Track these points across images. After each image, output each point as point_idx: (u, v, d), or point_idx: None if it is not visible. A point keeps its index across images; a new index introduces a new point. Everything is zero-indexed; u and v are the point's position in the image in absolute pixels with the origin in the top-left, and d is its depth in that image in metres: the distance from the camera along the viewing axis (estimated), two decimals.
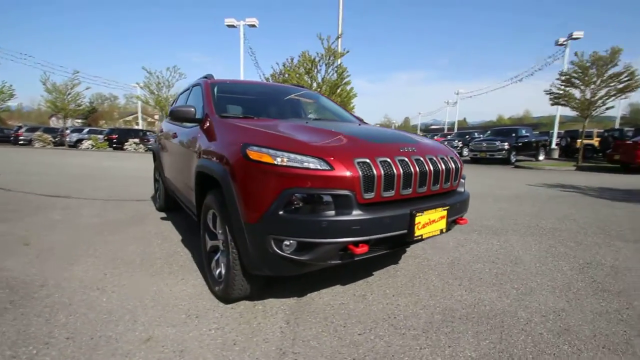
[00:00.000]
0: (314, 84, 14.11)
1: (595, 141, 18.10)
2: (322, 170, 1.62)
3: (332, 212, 1.62)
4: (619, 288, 2.39)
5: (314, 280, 2.44)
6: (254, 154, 1.74)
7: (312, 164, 1.63)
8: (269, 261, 1.72)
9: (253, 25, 20.80)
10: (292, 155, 1.67)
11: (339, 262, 1.73)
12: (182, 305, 2.08)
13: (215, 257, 2.20)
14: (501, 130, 17.22)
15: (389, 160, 1.77)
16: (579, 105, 12.94)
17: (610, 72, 12.02)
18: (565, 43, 18.92)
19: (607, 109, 12.57)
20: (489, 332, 1.83)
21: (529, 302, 2.18)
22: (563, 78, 13.47)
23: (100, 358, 1.58)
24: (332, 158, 1.66)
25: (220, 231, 2.08)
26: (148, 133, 27.44)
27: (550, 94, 13.83)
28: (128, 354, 1.61)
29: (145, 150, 22.76)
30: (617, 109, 30.35)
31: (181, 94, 4.16)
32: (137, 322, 1.88)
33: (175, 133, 3.27)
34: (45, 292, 2.20)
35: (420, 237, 1.84)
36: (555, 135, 19.71)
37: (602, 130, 19.57)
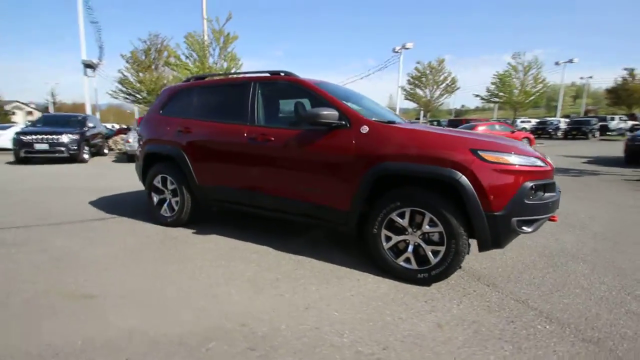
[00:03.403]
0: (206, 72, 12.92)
1: None
2: (543, 166, 2.25)
3: (548, 195, 2.29)
4: (595, 231, 4.00)
5: None
6: (490, 156, 2.17)
7: (538, 162, 2.24)
8: (504, 238, 2.22)
9: None
10: (520, 157, 2.22)
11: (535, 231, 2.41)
12: (400, 298, 2.26)
13: (410, 249, 2.44)
14: None
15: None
16: (422, 101, 17.24)
17: (441, 77, 16.57)
18: (400, 51, 24.04)
19: (440, 105, 17.32)
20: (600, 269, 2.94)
21: (581, 243, 3.45)
22: (410, 80, 17.50)
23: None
24: (541, 156, 2.30)
25: (429, 227, 2.34)
26: None
27: (405, 91, 17.76)
28: (464, 345, 1.82)
29: None
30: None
31: (200, 90, 3.58)
32: (405, 320, 2.01)
33: (267, 136, 2.93)
34: (281, 335, 1.85)
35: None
36: None
37: (425, 121, 26.22)
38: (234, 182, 3.23)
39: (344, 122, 2.63)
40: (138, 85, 16.46)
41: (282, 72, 3.18)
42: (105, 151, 14.00)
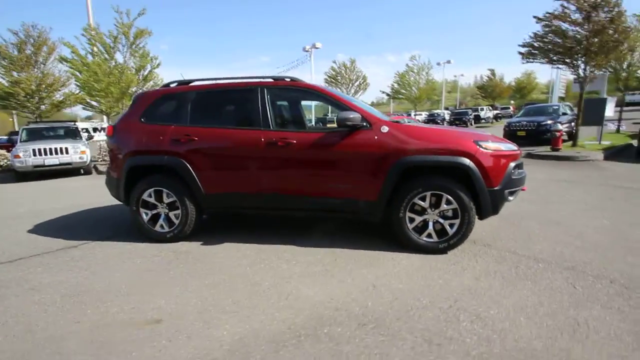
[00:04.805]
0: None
1: None
2: (517, 150, 3.03)
3: (521, 171, 3.08)
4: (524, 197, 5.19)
5: None
6: (488, 146, 2.84)
7: (514, 147, 3.00)
8: (499, 207, 2.93)
9: None
10: (503, 144, 2.94)
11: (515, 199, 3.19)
12: (434, 265, 2.77)
13: (430, 226, 2.96)
14: None
15: None
16: None
17: (354, 76, 18.07)
18: (309, 50, 25.01)
19: None
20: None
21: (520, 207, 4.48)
22: (328, 79, 18.56)
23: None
24: (514, 143, 3.08)
25: (446, 205, 2.89)
26: None
27: None
28: (502, 288, 2.40)
29: None
30: None
31: (189, 95, 3.46)
32: (452, 280, 2.52)
33: (288, 140, 3.06)
34: (374, 309, 2.16)
35: None
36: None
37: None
38: (252, 187, 3.26)
39: (365, 124, 2.99)
40: (11, 87, 13.36)
41: (287, 77, 3.34)
42: None
